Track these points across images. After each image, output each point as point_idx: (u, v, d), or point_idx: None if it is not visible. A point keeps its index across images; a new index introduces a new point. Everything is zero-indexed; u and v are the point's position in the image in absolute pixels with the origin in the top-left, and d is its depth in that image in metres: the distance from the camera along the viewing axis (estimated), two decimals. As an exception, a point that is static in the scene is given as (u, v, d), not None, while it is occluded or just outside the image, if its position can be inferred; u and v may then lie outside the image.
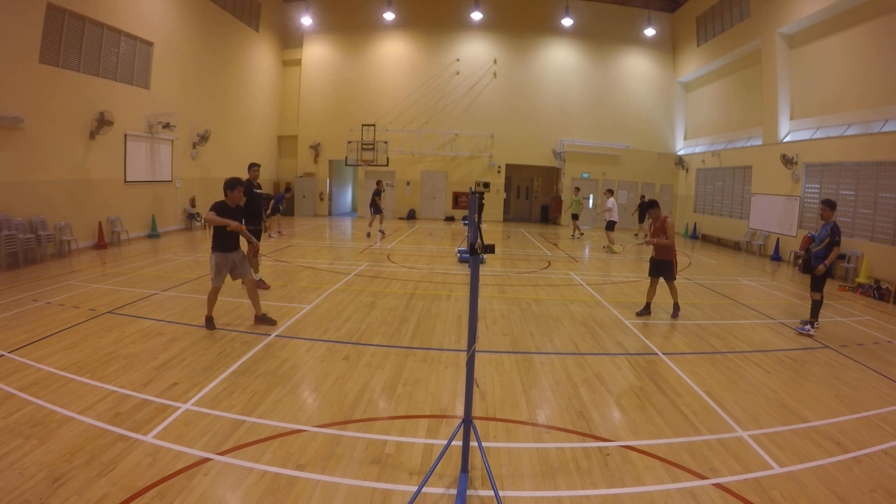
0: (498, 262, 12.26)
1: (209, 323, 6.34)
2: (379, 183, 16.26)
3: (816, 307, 7.23)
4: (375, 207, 15.55)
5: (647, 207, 7.70)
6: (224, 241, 6.25)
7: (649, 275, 7.84)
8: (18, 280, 8.54)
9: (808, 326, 7.16)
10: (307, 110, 23.30)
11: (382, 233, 16.42)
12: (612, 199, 15.41)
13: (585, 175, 22.68)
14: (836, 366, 5.90)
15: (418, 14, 22.73)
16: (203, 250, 12.39)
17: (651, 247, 7.58)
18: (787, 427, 4.29)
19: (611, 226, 15.22)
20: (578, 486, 3.36)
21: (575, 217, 18.24)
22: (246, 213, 8.03)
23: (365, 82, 23.08)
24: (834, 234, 6.94)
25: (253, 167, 8.87)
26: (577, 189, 18.63)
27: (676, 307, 7.76)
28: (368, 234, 16.15)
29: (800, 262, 7.72)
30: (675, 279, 7.69)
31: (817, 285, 7.16)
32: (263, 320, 6.56)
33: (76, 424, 3.84)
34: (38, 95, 10.53)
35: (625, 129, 23.17)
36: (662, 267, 7.60)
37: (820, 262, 7.06)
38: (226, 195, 6.29)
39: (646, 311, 7.78)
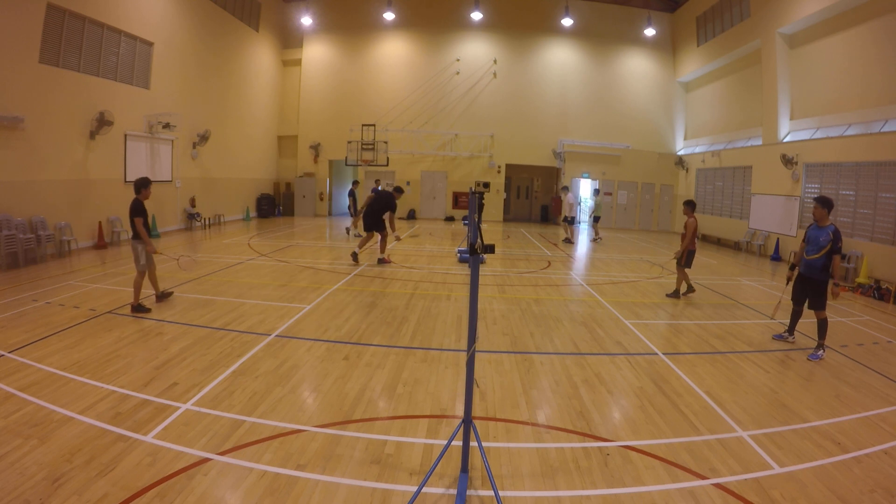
0: (498, 262, 12.26)
1: None
2: (355, 184, 17.78)
3: (825, 327, 6.19)
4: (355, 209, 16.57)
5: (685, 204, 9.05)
6: None
7: (685, 265, 9.00)
8: (18, 280, 8.54)
9: (822, 352, 6.14)
10: (307, 110, 23.29)
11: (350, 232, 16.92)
12: (571, 195, 16.83)
13: (585, 175, 22.68)
14: (836, 366, 5.90)
15: (418, 14, 22.73)
16: (202, 250, 12.40)
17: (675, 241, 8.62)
18: (787, 427, 4.29)
19: (571, 220, 16.74)
20: (578, 486, 3.36)
21: (596, 219, 17.65)
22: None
23: (365, 82, 23.08)
24: (836, 239, 5.90)
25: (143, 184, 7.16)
26: (597, 190, 18.53)
27: (676, 292, 9.16)
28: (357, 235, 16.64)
29: (789, 281, 6.67)
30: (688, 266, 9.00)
31: (822, 303, 6.16)
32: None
33: (76, 424, 3.84)
34: (38, 95, 10.53)
35: (625, 129, 23.17)
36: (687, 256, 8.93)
37: (817, 272, 6.08)
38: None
39: (675, 294, 9.09)
